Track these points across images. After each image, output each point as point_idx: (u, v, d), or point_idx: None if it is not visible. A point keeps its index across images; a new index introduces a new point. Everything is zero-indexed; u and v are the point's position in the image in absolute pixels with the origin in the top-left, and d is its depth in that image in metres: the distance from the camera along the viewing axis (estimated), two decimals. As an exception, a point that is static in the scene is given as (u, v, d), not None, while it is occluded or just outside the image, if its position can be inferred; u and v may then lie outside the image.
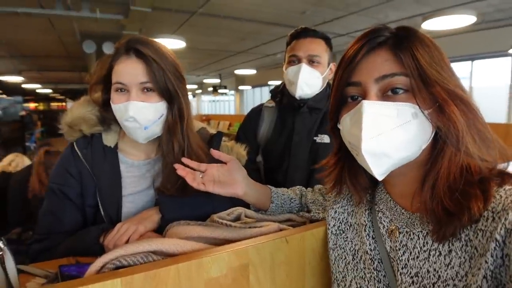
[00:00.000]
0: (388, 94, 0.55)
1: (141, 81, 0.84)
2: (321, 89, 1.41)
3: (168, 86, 0.87)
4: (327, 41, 1.41)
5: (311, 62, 1.36)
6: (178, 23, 6.14)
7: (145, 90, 0.86)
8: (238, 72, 11.28)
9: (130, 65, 0.84)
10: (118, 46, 0.87)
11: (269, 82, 12.50)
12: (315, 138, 1.40)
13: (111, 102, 0.86)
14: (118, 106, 0.85)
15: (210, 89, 14.34)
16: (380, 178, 0.56)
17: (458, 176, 0.51)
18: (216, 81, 14.26)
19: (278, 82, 1.45)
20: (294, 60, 1.39)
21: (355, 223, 0.70)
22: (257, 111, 1.55)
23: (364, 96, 0.56)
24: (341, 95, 0.60)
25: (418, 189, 0.57)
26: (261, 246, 0.67)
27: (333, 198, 0.77)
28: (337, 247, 0.71)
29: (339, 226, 0.73)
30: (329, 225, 0.74)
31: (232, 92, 16.94)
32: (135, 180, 0.94)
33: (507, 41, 5.20)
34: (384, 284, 0.60)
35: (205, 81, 14.69)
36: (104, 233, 0.81)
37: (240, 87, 15.29)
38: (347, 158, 0.64)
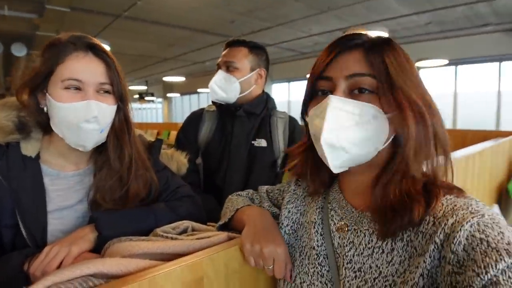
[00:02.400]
0: (354, 92, 0.57)
1: (101, 81, 0.79)
2: (246, 93, 1.46)
3: (121, 90, 0.83)
4: (252, 48, 1.47)
5: (228, 68, 1.44)
6: (101, 26, 5.76)
7: (102, 91, 0.80)
8: (166, 79, 10.96)
9: (90, 63, 0.78)
10: (64, 41, 0.78)
11: (199, 90, 12.37)
12: (253, 142, 1.45)
13: (55, 102, 0.76)
14: (74, 105, 0.75)
15: (136, 96, 13.67)
16: (335, 171, 0.58)
17: (409, 180, 0.55)
18: (143, 88, 13.66)
19: (208, 90, 1.49)
20: (217, 69, 1.47)
21: (305, 221, 0.72)
22: (198, 114, 1.56)
23: (333, 91, 0.58)
24: (313, 89, 0.62)
25: (370, 189, 0.60)
26: (215, 256, 0.64)
27: (287, 197, 0.78)
28: (288, 246, 0.72)
29: (292, 226, 0.74)
30: (283, 224, 0.74)
31: (160, 99, 16.39)
32: (62, 193, 0.84)
33: (413, 56, 5.86)
34: (326, 279, 0.62)
35: (131, 88, 13.95)
36: (28, 259, 0.70)
37: (168, 95, 14.88)
38: (313, 150, 0.66)
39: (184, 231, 0.83)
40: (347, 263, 0.59)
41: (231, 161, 1.43)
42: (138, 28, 6.08)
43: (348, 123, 0.56)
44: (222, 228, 0.83)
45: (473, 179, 2.18)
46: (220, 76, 1.43)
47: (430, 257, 0.48)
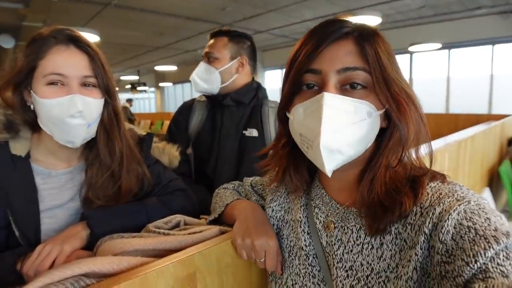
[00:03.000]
0: (346, 87, 0.54)
1: (85, 75, 0.77)
2: (230, 82, 1.45)
3: (107, 83, 0.81)
4: (232, 37, 1.47)
5: (208, 59, 1.45)
6: (89, 15, 5.64)
7: (86, 85, 0.78)
8: (158, 68, 10.81)
9: (73, 56, 0.77)
10: (45, 36, 0.76)
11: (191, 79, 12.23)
12: (244, 132, 1.45)
13: (39, 98, 0.74)
14: (58, 100, 0.74)
15: (128, 86, 13.51)
16: (329, 174, 0.54)
17: (394, 174, 0.53)
18: (134, 77, 13.48)
19: None
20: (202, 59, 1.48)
21: (291, 219, 0.69)
22: (189, 104, 1.57)
23: (322, 86, 0.54)
24: (297, 83, 0.57)
25: (355, 184, 0.58)
26: (207, 252, 0.64)
27: (270, 196, 0.75)
28: None
29: (276, 224, 0.72)
30: None
31: (152, 89, 16.22)
32: (55, 192, 0.83)
33: (406, 40, 5.87)
34: (318, 279, 0.61)
35: (122, 78, 13.78)
36: (21, 258, 0.69)
37: (161, 84, 14.72)
38: (294, 152, 0.63)
39: (176, 226, 0.83)
40: (337, 262, 0.58)
41: (221, 151, 1.43)
42: (128, 16, 5.96)
43: (345, 123, 0.52)
44: (213, 223, 0.82)
45: (465, 163, 2.20)
46: (201, 67, 1.46)
47: (421, 249, 0.47)
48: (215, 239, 0.69)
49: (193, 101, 1.58)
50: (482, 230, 0.43)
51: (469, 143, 2.25)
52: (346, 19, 0.56)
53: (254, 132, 1.44)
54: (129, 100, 11.50)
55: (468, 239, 0.42)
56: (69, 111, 0.74)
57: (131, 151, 0.89)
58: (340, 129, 0.52)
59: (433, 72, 7.30)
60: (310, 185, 0.69)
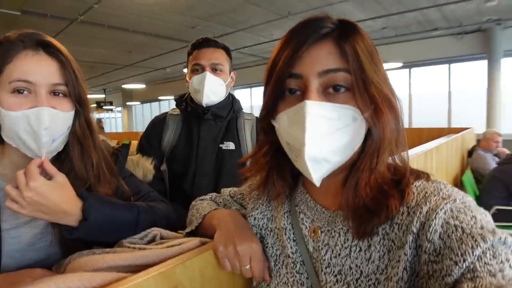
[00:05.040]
0: (329, 91, 0.52)
1: (54, 82, 0.71)
2: (224, 97, 1.46)
3: (80, 92, 0.76)
4: (227, 51, 1.47)
5: (214, 70, 1.40)
6: (54, 31, 5.47)
7: (56, 93, 0.72)
8: (126, 86, 10.61)
9: (41, 62, 0.70)
10: (13, 39, 0.71)
11: (160, 97, 12.10)
12: (220, 145, 1.42)
13: (3, 109, 0.68)
14: (23, 113, 0.67)
15: (94, 105, 13.11)
16: (318, 183, 0.52)
17: (379, 176, 0.52)
18: (101, 96, 13.13)
19: (170, 97, 1.44)
20: (198, 69, 1.40)
21: (275, 227, 0.67)
22: (162, 118, 1.51)
23: (304, 90, 0.52)
24: (280, 89, 0.55)
25: (340, 188, 0.57)
26: (189, 263, 0.60)
27: (251, 204, 0.73)
28: None
29: (259, 233, 0.70)
30: None
31: (119, 108, 15.85)
32: None
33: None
34: (307, 286, 0.59)
35: (88, 96, 13.36)
36: None
37: (128, 103, 14.43)
38: (277, 158, 0.61)
39: (152, 240, 0.78)
40: (325, 267, 0.56)
41: (199, 165, 1.39)
42: (95, 33, 5.84)
43: (329, 131, 0.50)
44: (190, 236, 0.78)
45: (432, 173, 2.28)
46: (212, 79, 1.37)
47: (410, 248, 0.47)
48: (197, 250, 0.65)
49: (165, 114, 1.53)
50: (469, 229, 0.43)
51: (434, 154, 2.35)
52: (325, 16, 0.54)
53: (231, 145, 1.42)
54: (99, 121, 11.01)
55: (456, 238, 0.43)
56: (34, 127, 0.68)
57: (107, 163, 0.84)
58: (324, 137, 0.50)
59: (395, 90, 7.66)
60: (293, 191, 0.67)
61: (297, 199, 0.65)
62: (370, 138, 0.53)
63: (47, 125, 0.68)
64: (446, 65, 7.13)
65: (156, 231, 0.80)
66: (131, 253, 0.66)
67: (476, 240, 0.41)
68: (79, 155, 0.78)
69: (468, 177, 3.46)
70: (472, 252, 0.40)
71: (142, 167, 1.04)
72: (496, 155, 3.86)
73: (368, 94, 0.51)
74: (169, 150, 1.44)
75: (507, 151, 3.87)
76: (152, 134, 1.48)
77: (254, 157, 0.65)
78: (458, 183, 3.28)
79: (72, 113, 0.76)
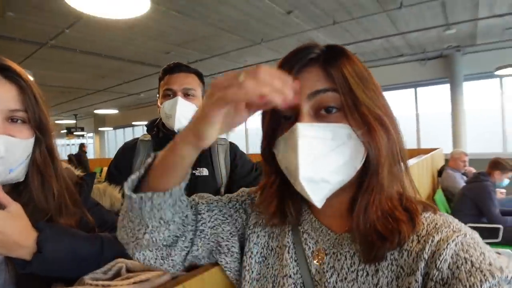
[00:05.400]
0: (321, 113, 0.53)
1: (11, 108, 0.67)
2: None
3: (41, 118, 0.71)
4: (200, 76, 1.46)
5: (187, 95, 1.38)
6: (23, 55, 5.33)
7: (14, 120, 0.68)
8: (98, 112, 10.38)
9: None
10: None
11: (133, 123, 11.92)
12: (193, 171, 1.38)
13: None
14: None
15: (64, 131, 12.70)
16: (319, 205, 0.52)
17: (389, 200, 0.52)
18: (71, 122, 12.77)
19: (143, 123, 1.39)
20: (169, 94, 1.38)
21: (276, 246, 0.64)
22: (132, 145, 1.46)
23: (297, 115, 0.53)
24: (275, 116, 0.56)
25: (347, 210, 0.56)
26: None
27: (254, 219, 0.67)
28: (261, 277, 0.63)
29: (261, 252, 0.65)
30: (252, 253, 0.65)
31: (91, 134, 15.43)
32: None
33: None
34: None
35: (58, 122, 12.96)
36: None
37: (100, 128, 14.08)
38: (284, 184, 0.59)
39: (117, 274, 0.72)
40: None
41: None
42: (67, 57, 5.72)
43: (324, 151, 0.50)
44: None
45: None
46: (183, 103, 1.34)
47: (421, 275, 0.47)
48: (166, 286, 0.61)
49: (136, 140, 1.48)
50: (478, 263, 0.43)
51: (407, 175, 2.40)
52: (314, 43, 0.57)
53: (204, 171, 1.39)
54: (82, 145, 10.01)
55: (465, 270, 0.43)
56: None
57: (70, 193, 0.79)
58: (319, 158, 0.50)
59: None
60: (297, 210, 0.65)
61: (301, 219, 0.64)
62: (369, 157, 0.53)
63: (2, 154, 0.63)
64: (412, 89, 7.48)
65: (121, 263, 0.74)
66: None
67: (485, 275, 0.42)
68: (39, 185, 0.73)
69: (439, 196, 3.55)
70: (480, 286, 0.41)
71: (110, 195, 0.99)
72: (464, 174, 4.02)
73: (358, 113, 0.51)
74: None
75: (473, 170, 4.04)
76: (121, 161, 1.43)
77: (263, 190, 0.64)
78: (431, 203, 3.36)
79: (32, 140, 0.71)
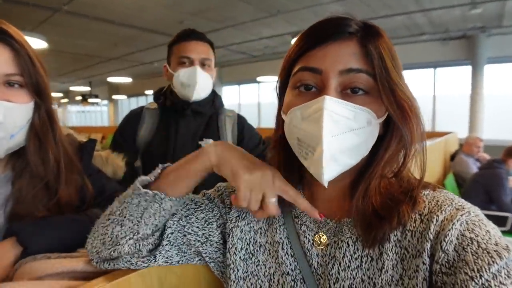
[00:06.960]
0: (346, 92, 0.50)
1: (7, 73, 0.65)
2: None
3: (39, 82, 0.70)
4: (213, 46, 1.42)
5: (203, 65, 1.35)
6: (37, 20, 5.31)
7: (11, 84, 0.66)
8: (112, 80, 10.39)
9: None
10: None
11: (146, 92, 11.93)
12: (200, 142, 1.36)
13: None
14: None
15: (79, 98, 12.84)
16: (326, 184, 0.49)
17: (388, 184, 0.52)
18: (86, 89, 12.87)
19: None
20: (185, 62, 1.33)
21: (266, 242, 0.60)
22: (137, 113, 1.44)
23: (322, 88, 0.50)
24: (295, 81, 0.53)
25: (346, 195, 0.55)
26: (146, 271, 0.56)
27: (236, 212, 0.63)
28: (249, 275, 0.59)
29: (247, 248, 0.61)
30: (236, 249, 0.60)
31: (105, 102, 15.58)
32: None
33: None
34: None
35: (72, 88, 13.10)
36: None
37: (114, 97, 14.18)
38: (284, 153, 0.58)
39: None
40: (333, 284, 0.51)
41: (175, 162, 1.34)
42: (80, 24, 5.68)
43: (345, 130, 0.48)
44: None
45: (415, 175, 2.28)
46: (204, 75, 1.32)
47: (428, 256, 0.45)
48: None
49: (141, 108, 1.46)
50: (484, 243, 0.42)
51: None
52: (350, 16, 0.53)
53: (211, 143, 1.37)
54: None
55: (471, 251, 0.42)
56: None
57: (69, 160, 0.78)
58: (339, 136, 0.48)
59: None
60: (290, 203, 0.58)
61: (298, 211, 0.60)
62: (385, 145, 0.51)
63: (1, 120, 0.63)
64: (432, 69, 7.23)
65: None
66: (87, 258, 0.61)
67: (492, 257, 0.41)
68: (35, 151, 0.72)
69: (450, 181, 3.50)
70: (489, 269, 0.40)
71: (112, 163, 0.98)
72: (477, 160, 3.93)
73: (394, 96, 0.49)
74: (144, 146, 1.37)
75: (488, 157, 3.94)
76: (126, 129, 1.41)
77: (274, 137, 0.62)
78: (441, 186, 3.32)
79: (31, 105, 0.70)
